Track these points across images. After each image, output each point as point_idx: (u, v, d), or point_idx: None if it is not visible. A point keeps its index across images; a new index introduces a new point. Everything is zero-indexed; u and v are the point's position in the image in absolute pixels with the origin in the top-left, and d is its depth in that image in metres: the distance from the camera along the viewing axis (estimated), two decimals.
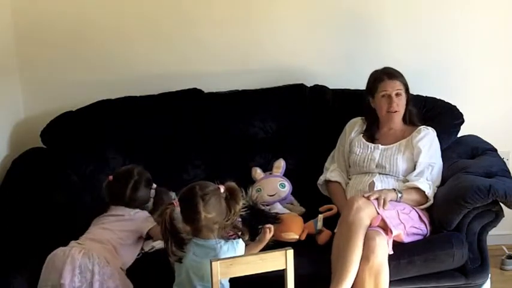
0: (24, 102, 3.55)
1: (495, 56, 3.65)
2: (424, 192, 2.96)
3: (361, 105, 3.25)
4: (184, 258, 2.50)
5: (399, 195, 2.92)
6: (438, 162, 3.10)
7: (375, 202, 2.79)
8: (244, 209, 2.76)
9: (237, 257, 2.42)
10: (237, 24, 3.57)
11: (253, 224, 2.82)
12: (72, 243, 2.72)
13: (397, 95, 3.10)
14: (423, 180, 2.99)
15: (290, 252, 2.39)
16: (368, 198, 2.80)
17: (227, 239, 2.51)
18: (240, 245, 2.51)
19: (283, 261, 2.39)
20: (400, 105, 3.11)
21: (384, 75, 3.13)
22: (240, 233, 2.58)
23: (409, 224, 2.84)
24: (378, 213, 2.77)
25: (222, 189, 2.51)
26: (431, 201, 2.98)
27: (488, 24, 3.61)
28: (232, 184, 2.54)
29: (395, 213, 2.83)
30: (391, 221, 2.77)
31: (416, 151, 3.06)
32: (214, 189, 2.49)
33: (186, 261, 2.49)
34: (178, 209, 2.47)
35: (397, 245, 2.77)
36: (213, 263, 2.29)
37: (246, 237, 2.59)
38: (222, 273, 2.33)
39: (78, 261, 2.59)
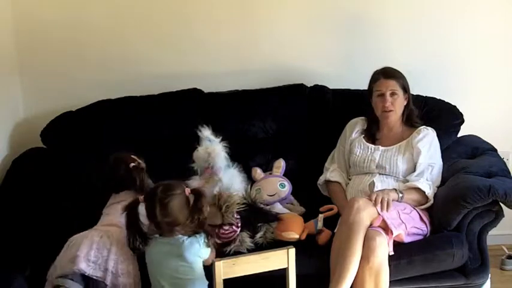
0: (24, 102, 3.55)
1: (495, 56, 3.65)
2: (424, 192, 2.97)
3: (361, 105, 3.25)
4: (149, 255, 2.57)
5: (400, 195, 2.92)
6: (438, 163, 3.10)
7: (379, 207, 2.78)
8: (243, 206, 2.78)
9: (239, 257, 2.42)
10: (237, 24, 3.57)
11: (252, 221, 2.83)
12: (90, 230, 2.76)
13: (392, 94, 3.09)
14: (423, 181, 2.99)
15: (292, 251, 2.40)
16: (370, 199, 2.80)
17: (189, 235, 2.55)
18: (202, 239, 2.54)
19: (285, 260, 2.39)
20: (395, 104, 3.10)
21: (380, 75, 3.13)
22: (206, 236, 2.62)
23: (410, 224, 2.84)
24: (379, 214, 2.77)
25: (187, 191, 2.54)
26: (431, 202, 2.98)
27: (488, 24, 3.61)
28: (198, 189, 2.59)
29: (396, 213, 2.83)
30: (392, 222, 2.77)
31: (416, 152, 3.06)
32: (177, 192, 2.52)
33: (152, 258, 2.57)
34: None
35: (397, 245, 2.77)
36: (216, 263, 2.30)
37: (211, 242, 2.65)
38: (225, 273, 2.33)
39: (97, 239, 2.63)
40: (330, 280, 2.68)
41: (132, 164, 2.93)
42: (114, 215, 2.78)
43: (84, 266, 2.55)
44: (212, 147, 3.08)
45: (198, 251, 2.52)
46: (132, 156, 2.96)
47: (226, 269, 2.32)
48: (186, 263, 2.51)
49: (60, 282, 2.55)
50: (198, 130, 3.12)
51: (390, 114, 3.12)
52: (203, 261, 2.57)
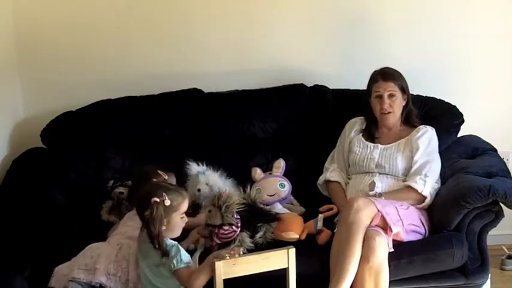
0: (24, 102, 3.55)
1: (495, 56, 3.65)
2: (418, 191, 2.95)
3: (361, 105, 3.25)
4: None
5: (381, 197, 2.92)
6: (436, 159, 3.09)
7: (378, 205, 2.78)
8: (242, 207, 2.77)
9: (239, 257, 2.41)
10: (237, 24, 3.57)
11: (252, 221, 2.83)
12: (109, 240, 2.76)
13: (390, 96, 3.09)
14: (418, 179, 2.97)
15: (292, 251, 2.39)
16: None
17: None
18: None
19: (285, 260, 2.39)
20: (393, 106, 3.10)
21: (378, 76, 3.14)
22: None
23: (407, 221, 2.83)
24: (378, 211, 2.76)
25: (154, 199, 2.48)
26: (428, 199, 2.96)
27: (488, 24, 3.61)
28: (153, 200, 2.50)
29: (395, 209, 2.82)
30: (391, 218, 2.76)
31: (415, 147, 3.06)
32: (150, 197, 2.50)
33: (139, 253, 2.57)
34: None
35: (397, 245, 2.76)
36: (216, 263, 2.29)
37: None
38: (225, 273, 2.32)
39: (115, 251, 2.63)
40: (330, 280, 2.67)
41: (154, 180, 2.85)
42: (134, 227, 2.73)
43: (105, 280, 2.56)
44: (209, 178, 3.08)
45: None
46: (159, 171, 2.90)
47: (226, 269, 2.32)
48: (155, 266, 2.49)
49: (71, 286, 2.55)
50: (187, 168, 3.09)
51: (389, 116, 3.12)
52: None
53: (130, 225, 2.79)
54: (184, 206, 2.55)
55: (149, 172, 2.89)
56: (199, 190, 3.05)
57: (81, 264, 2.59)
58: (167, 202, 2.47)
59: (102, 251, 2.64)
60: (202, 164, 3.13)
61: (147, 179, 2.83)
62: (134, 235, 2.68)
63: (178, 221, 2.52)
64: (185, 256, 2.48)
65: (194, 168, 3.10)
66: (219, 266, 2.30)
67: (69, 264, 2.63)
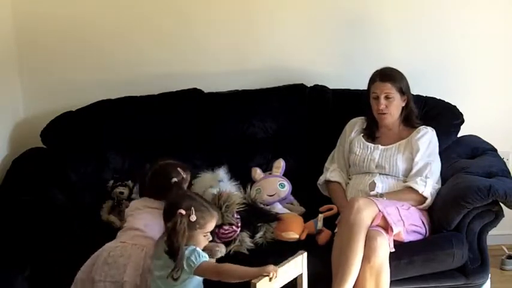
0: (24, 102, 3.55)
1: (495, 56, 3.65)
2: (419, 192, 2.96)
3: (361, 105, 3.25)
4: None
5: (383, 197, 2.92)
6: (436, 160, 3.09)
7: (379, 204, 2.78)
8: (242, 206, 2.77)
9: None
10: (237, 24, 3.57)
11: (252, 221, 2.83)
12: (124, 237, 2.66)
13: (386, 97, 3.09)
14: (419, 180, 2.98)
15: (304, 255, 2.37)
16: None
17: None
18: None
19: (300, 265, 2.36)
20: (390, 107, 3.09)
21: (376, 77, 3.13)
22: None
23: (408, 221, 2.84)
24: (380, 211, 2.76)
25: (181, 211, 2.38)
26: (429, 200, 2.97)
27: (488, 24, 3.61)
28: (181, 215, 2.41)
29: (396, 209, 2.83)
30: (392, 218, 2.77)
31: (415, 149, 3.06)
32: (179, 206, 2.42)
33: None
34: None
35: (397, 245, 2.77)
36: (257, 284, 2.19)
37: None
38: None
39: (142, 260, 2.57)
40: (333, 281, 2.67)
41: (174, 180, 2.76)
42: (155, 223, 2.64)
43: None
44: (226, 187, 3.01)
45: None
46: (179, 168, 2.80)
47: (263, 284, 2.21)
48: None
49: None
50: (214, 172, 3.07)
51: (385, 117, 3.12)
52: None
53: (146, 222, 2.69)
54: (211, 225, 2.44)
55: (170, 168, 2.80)
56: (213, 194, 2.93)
57: (107, 276, 2.54)
58: (193, 218, 2.37)
59: (126, 257, 2.56)
60: (227, 173, 3.11)
61: (166, 175, 2.76)
62: (154, 236, 2.58)
63: (201, 239, 2.42)
64: (202, 251, 2.38)
65: (221, 174, 3.08)
66: (260, 285, 2.19)
67: (86, 269, 2.58)
